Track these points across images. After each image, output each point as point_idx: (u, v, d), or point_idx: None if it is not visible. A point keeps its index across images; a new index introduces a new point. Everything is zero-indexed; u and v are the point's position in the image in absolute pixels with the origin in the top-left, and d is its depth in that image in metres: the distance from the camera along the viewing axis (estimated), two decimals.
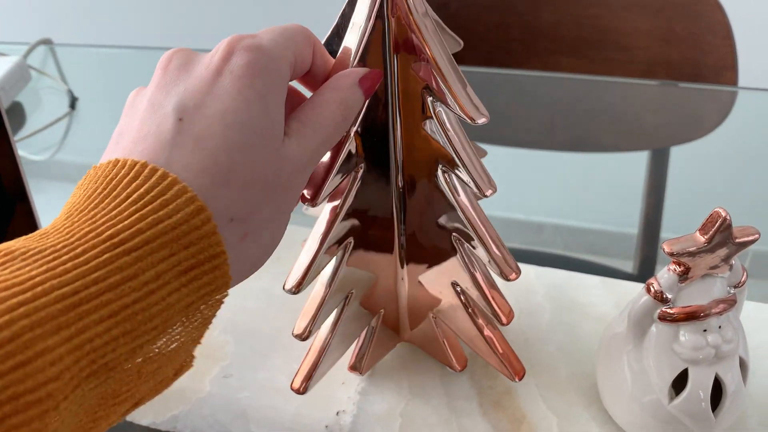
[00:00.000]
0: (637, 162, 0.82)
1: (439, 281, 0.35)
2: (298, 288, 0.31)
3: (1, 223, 0.40)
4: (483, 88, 0.82)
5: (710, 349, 0.29)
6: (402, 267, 0.35)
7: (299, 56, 0.25)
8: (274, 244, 0.25)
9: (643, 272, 0.81)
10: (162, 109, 0.23)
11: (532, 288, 0.42)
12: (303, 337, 0.33)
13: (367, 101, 0.27)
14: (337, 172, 0.29)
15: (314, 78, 0.27)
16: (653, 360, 0.31)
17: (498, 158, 1.05)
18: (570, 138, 0.85)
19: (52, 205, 0.42)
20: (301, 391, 0.34)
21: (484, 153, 0.36)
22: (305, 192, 0.28)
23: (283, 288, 0.31)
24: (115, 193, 0.21)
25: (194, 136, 0.22)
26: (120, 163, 0.22)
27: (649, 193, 0.81)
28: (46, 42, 0.80)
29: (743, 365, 0.31)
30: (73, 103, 0.70)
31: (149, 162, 0.22)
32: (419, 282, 0.36)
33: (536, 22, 0.81)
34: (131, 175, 0.21)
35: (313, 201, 0.28)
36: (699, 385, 0.30)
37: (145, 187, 0.21)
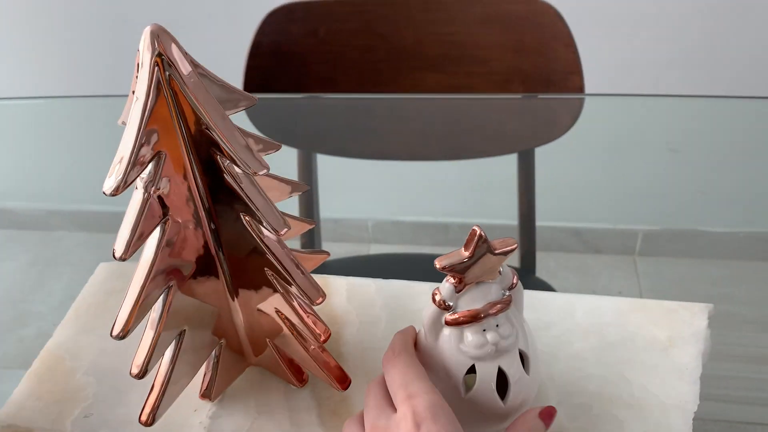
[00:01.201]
0: (508, 163, 0.88)
1: (268, 311, 0.39)
2: (124, 333, 0.34)
3: None
4: (358, 112, 0.87)
5: (491, 346, 0.34)
6: (233, 300, 0.39)
7: None
8: None
9: (526, 262, 0.88)
10: None
11: (371, 301, 0.47)
12: (139, 375, 0.36)
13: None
14: (144, 229, 0.33)
15: None
16: (446, 359, 0.35)
17: (382, 170, 1.09)
18: (444, 148, 0.91)
19: None
20: (149, 423, 0.38)
21: (277, 146, 0.38)
22: (116, 251, 0.32)
23: (110, 334, 0.34)
24: None
25: None
26: None
27: (521, 187, 0.88)
28: None
29: (524, 357, 0.36)
30: None
31: None
32: (252, 312, 0.40)
33: (400, 42, 0.86)
34: None
35: (126, 256, 0.32)
36: (485, 378, 0.35)
37: None
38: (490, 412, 0.36)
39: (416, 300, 0.47)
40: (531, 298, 0.45)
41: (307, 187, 0.41)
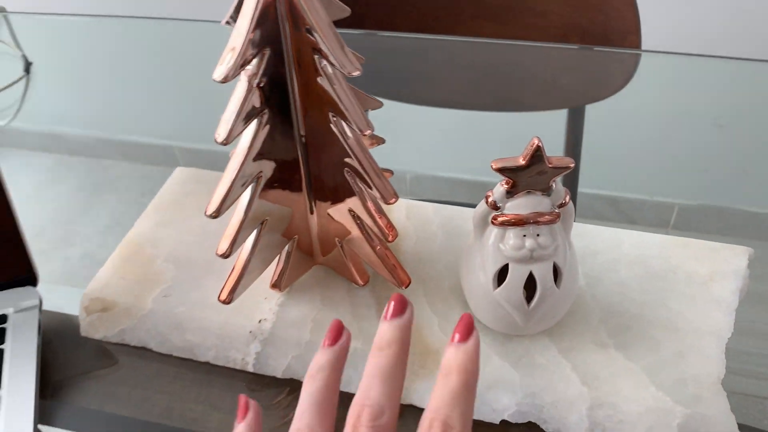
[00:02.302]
0: (557, 119, 0.90)
1: (342, 212, 0.43)
2: (218, 213, 0.38)
3: None
4: (414, 52, 0.89)
5: (526, 251, 0.37)
6: (310, 203, 0.43)
7: None
8: None
9: None
10: None
11: (428, 220, 0.50)
12: (225, 255, 0.40)
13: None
14: (245, 117, 0.36)
15: None
16: (485, 254, 0.39)
17: (431, 118, 1.12)
18: (495, 99, 0.93)
19: (13, 171, 0.47)
20: (227, 301, 0.42)
21: (378, 104, 0.43)
22: (218, 136, 0.36)
23: (205, 213, 0.38)
24: None
25: None
26: None
27: (568, 147, 0.89)
28: (0, 10, 0.84)
29: (558, 271, 0.39)
30: (27, 67, 0.75)
31: None
32: (327, 215, 0.44)
33: None
34: None
35: (227, 140, 0.36)
36: (515, 278, 0.38)
37: None
38: (515, 312, 0.39)
39: (469, 223, 0.50)
40: (581, 227, 0.48)
41: (381, 104, 0.44)
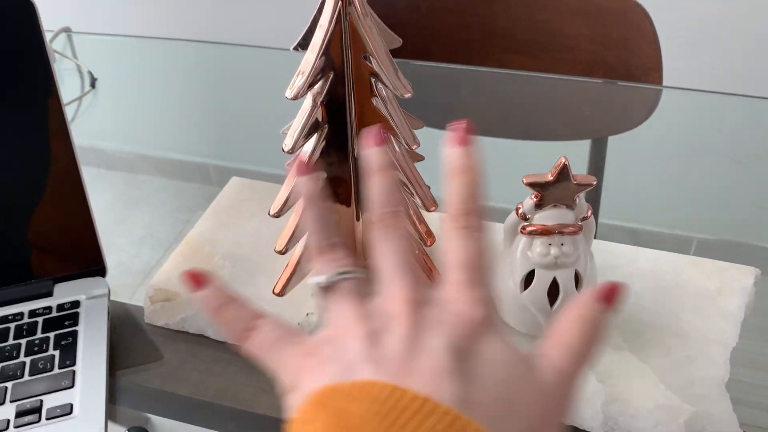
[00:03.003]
0: (581, 149, 0.95)
1: None
2: (279, 213, 0.43)
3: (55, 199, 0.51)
4: (447, 81, 0.95)
5: (552, 258, 0.41)
6: (357, 210, 0.48)
7: None
8: None
9: None
10: (431, 347, 0.24)
11: None
12: (282, 251, 0.45)
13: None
14: (308, 132, 0.42)
15: None
16: (514, 261, 0.43)
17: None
18: (522, 128, 0.98)
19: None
20: (280, 293, 0.47)
21: (421, 124, 0.48)
22: (285, 146, 0.41)
23: (269, 213, 0.43)
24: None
25: (473, 375, 0.23)
26: (405, 396, 0.22)
27: (590, 174, 0.94)
28: (66, 30, 0.91)
29: (579, 277, 0.43)
30: (93, 82, 0.81)
31: (432, 397, 0.22)
32: (370, 222, 0.49)
33: (493, 24, 0.93)
34: (422, 413, 0.21)
35: (292, 149, 0.41)
36: (541, 282, 0.43)
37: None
38: (540, 312, 0.44)
39: (498, 235, 0.55)
40: (601, 244, 0.53)
41: (423, 123, 0.49)
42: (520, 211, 0.42)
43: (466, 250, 0.27)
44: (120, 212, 0.67)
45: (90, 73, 0.83)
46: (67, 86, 0.85)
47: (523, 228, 0.42)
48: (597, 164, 0.93)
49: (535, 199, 0.41)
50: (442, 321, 0.25)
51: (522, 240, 0.43)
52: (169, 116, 0.88)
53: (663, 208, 1.25)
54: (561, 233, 0.42)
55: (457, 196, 0.28)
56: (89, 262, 0.54)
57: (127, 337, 0.52)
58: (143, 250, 0.62)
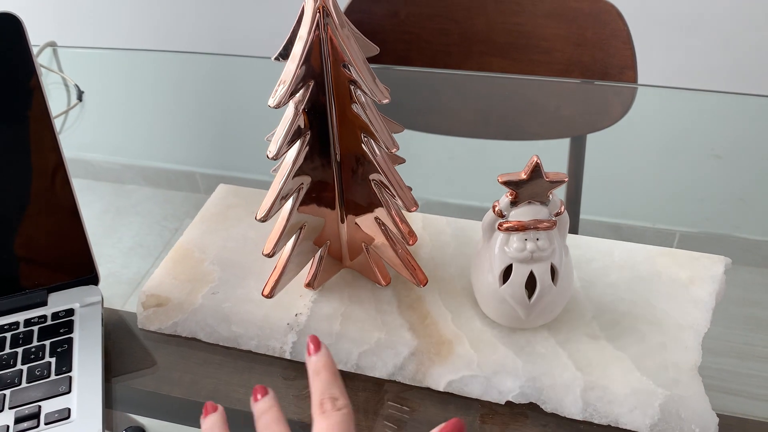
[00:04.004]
0: (561, 147, 0.97)
1: (369, 221, 0.50)
2: (266, 217, 0.45)
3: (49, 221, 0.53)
4: (428, 85, 0.97)
5: (528, 252, 0.43)
6: (342, 213, 0.50)
7: None
8: None
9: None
10: None
11: (442, 230, 0.57)
12: (269, 254, 0.47)
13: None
14: (291, 139, 0.43)
15: None
16: (493, 256, 0.45)
17: (441, 146, 1.19)
18: (502, 129, 1.00)
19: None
20: (269, 295, 0.49)
21: (401, 128, 0.50)
22: (269, 152, 0.42)
23: (256, 218, 0.45)
24: None
25: None
26: None
27: (570, 174, 0.96)
28: (52, 44, 0.92)
29: (555, 270, 0.45)
30: (80, 95, 0.83)
31: None
32: (356, 224, 0.50)
33: (471, 29, 0.96)
34: None
35: (276, 156, 0.43)
36: (518, 276, 0.44)
37: None
38: (519, 305, 0.45)
39: (478, 233, 0.57)
40: (577, 239, 0.55)
41: (402, 128, 0.51)
42: (496, 209, 0.44)
43: (330, 428, 0.34)
44: (109, 223, 0.68)
45: (77, 86, 0.85)
46: (54, 100, 0.86)
47: (500, 225, 0.44)
48: (577, 162, 0.95)
49: (510, 197, 0.43)
50: None
51: (499, 236, 0.45)
52: (155, 126, 0.89)
53: (644, 203, 1.28)
54: (536, 228, 0.43)
55: (318, 389, 0.36)
56: (82, 270, 0.55)
57: (122, 342, 0.53)
58: (133, 259, 0.63)
